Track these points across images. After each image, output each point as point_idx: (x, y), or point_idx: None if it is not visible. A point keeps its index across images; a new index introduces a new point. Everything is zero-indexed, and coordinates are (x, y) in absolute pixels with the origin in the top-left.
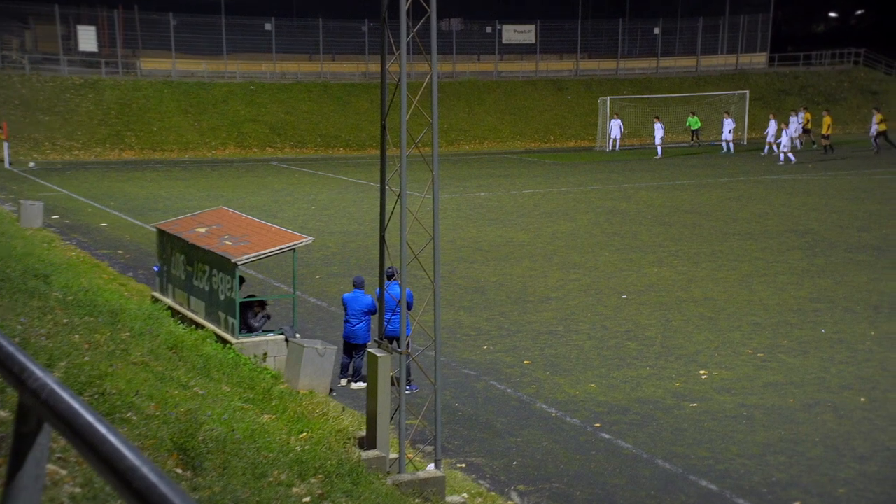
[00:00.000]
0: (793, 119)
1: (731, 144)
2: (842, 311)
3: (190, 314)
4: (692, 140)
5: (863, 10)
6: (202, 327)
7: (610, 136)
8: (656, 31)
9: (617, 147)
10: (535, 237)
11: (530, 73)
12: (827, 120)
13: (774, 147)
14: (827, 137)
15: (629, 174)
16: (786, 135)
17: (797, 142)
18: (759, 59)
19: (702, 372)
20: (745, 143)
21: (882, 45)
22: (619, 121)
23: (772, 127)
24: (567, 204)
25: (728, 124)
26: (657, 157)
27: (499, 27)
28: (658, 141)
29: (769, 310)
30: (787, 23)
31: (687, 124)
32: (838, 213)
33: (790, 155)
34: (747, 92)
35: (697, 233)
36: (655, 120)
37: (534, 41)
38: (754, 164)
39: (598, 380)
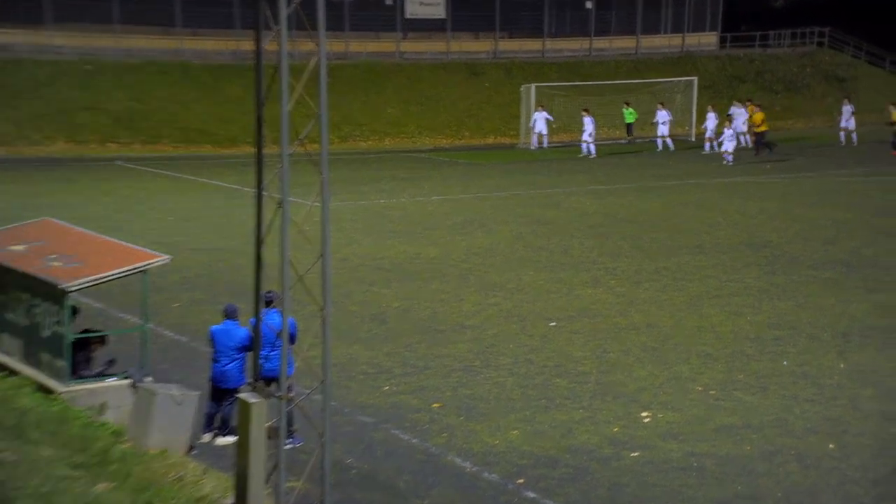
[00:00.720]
0: (736, 111)
1: (670, 141)
2: (806, 338)
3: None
4: (628, 136)
5: None
6: (16, 373)
7: (535, 131)
8: (589, 5)
9: (544, 144)
10: (446, 253)
11: (440, 54)
12: (757, 116)
13: (715, 144)
14: (762, 135)
15: (558, 177)
16: (728, 131)
17: (743, 138)
18: (708, 40)
19: (644, 414)
20: (693, 139)
21: (849, 23)
22: (545, 113)
23: (710, 121)
24: (485, 213)
25: (662, 116)
26: (591, 157)
27: None
28: (587, 137)
29: (722, 338)
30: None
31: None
32: (801, 223)
33: (728, 156)
34: (695, 79)
35: (638, 246)
36: (584, 113)
37: (444, 16)
38: (702, 165)
39: (521, 425)
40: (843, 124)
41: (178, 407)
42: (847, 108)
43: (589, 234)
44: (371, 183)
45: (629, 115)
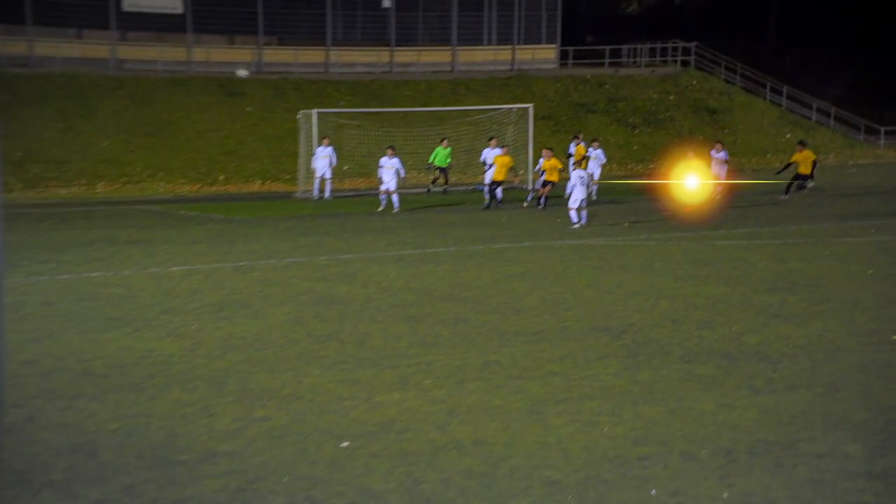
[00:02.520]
0: (592, 152)
1: (500, 192)
2: (680, 457)
3: None
4: (433, 183)
5: None
6: None
7: (317, 174)
8: (387, 3)
9: (327, 193)
10: (193, 347)
11: (179, 64)
12: (551, 163)
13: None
14: (548, 185)
15: (354, 238)
16: (580, 183)
17: (594, 188)
18: (545, 55)
19: None
20: (529, 186)
21: (721, 38)
22: (330, 149)
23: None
24: (251, 289)
25: (491, 156)
26: (393, 211)
27: None
28: (389, 186)
29: (572, 459)
30: (586, 3)
31: (431, 159)
32: (670, 301)
33: (573, 213)
34: (531, 106)
35: (462, 333)
36: (388, 152)
37: (181, 10)
38: (543, 222)
39: None
40: (714, 171)
41: None
42: (720, 155)
43: (395, 316)
44: (77, 249)
45: (442, 156)
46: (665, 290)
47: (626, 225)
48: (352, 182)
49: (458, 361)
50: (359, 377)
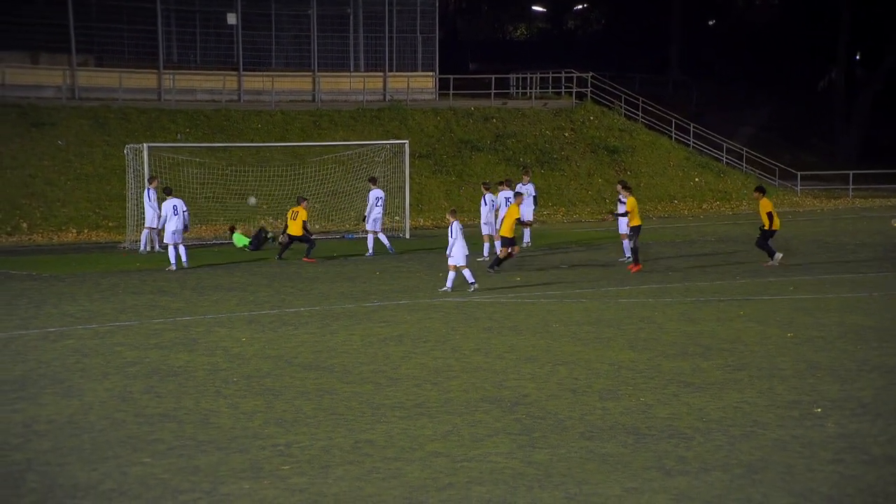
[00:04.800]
0: (523, 188)
1: (385, 238)
2: None
3: None
4: (273, 236)
5: (585, 5)
6: None
7: (147, 223)
8: (231, 19)
9: (156, 245)
10: None
11: None
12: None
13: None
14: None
15: (193, 297)
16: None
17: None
18: (422, 84)
19: None
20: (407, 235)
21: (619, 66)
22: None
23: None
24: (63, 360)
25: (376, 200)
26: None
27: None
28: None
29: None
30: (468, 26)
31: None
32: (569, 367)
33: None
34: (407, 142)
35: (327, 408)
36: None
37: None
38: (421, 276)
39: None
40: (621, 229)
41: None
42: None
43: (247, 389)
44: None
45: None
46: (563, 356)
47: (518, 279)
48: (193, 230)
49: (323, 442)
50: (200, 464)
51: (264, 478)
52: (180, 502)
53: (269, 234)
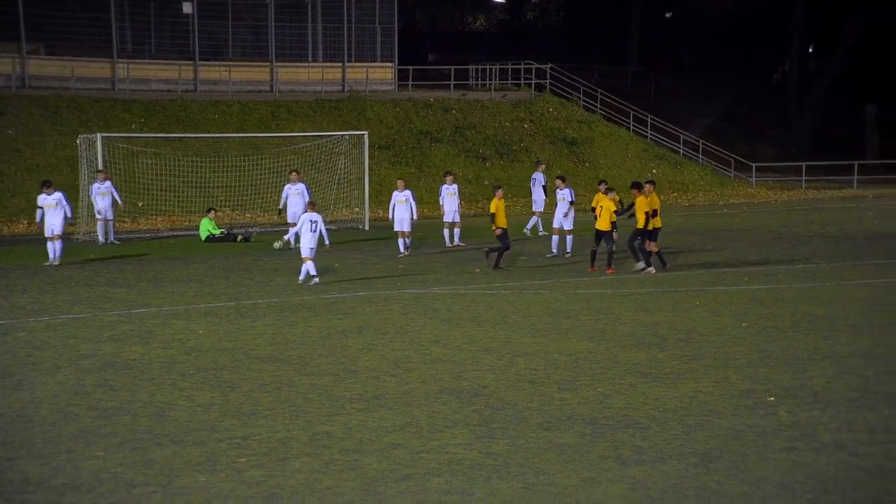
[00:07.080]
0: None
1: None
2: None
3: None
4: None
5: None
6: None
7: (99, 214)
8: (187, 8)
9: (111, 236)
10: None
11: None
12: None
13: (408, 241)
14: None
15: (149, 288)
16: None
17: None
18: (381, 75)
19: None
20: (367, 226)
21: (578, 58)
22: (108, 183)
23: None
24: (12, 354)
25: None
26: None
27: None
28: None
29: None
30: (427, 17)
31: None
32: (527, 359)
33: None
34: (366, 133)
35: (285, 399)
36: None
37: None
38: (381, 268)
39: None
40: (555, 223)
41: None
42: (563, 193)
43: (203, 382)
44: None
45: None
46: (522, 347)
47: (477, 271)
48: (149, 221)
49: (281, 434)
50: (155, 457)
51: (221, 471)
52: (134, 496)
53: (240, 237)
